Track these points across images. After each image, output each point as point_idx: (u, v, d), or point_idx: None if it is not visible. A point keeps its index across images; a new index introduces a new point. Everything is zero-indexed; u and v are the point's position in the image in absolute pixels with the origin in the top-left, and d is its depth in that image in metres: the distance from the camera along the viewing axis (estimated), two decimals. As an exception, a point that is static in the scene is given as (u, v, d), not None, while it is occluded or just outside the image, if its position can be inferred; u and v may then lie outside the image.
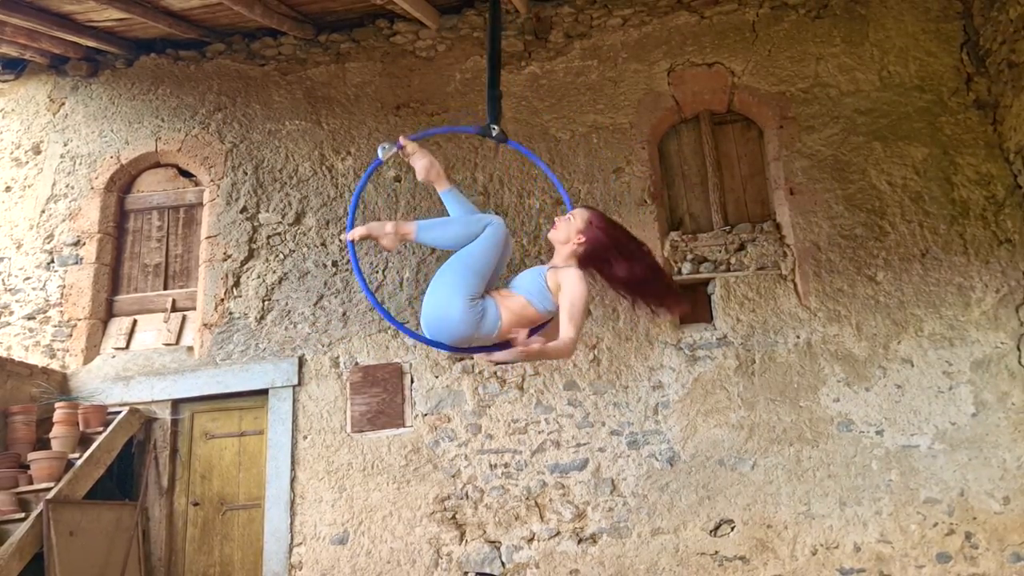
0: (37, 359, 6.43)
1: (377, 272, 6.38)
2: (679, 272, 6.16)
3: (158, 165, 7.14)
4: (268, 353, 6.31)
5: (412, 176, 6.56)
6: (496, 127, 3.75)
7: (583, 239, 2.92)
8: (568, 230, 2.95)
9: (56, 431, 5.69)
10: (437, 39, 6.95)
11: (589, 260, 2.93)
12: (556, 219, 3.03)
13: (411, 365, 6.13)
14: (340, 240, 6.51)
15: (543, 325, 3.05)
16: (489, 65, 4.13)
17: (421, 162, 3.18)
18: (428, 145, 6.57)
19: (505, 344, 2.88)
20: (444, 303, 2.81)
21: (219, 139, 6.95)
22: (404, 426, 6.01)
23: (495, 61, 4.15)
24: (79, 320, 6.58)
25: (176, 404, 6.28)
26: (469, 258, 2.86)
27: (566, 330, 2.69)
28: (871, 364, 5.72)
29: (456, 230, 2.94)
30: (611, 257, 2.91)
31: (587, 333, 6.00)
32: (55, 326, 6.57)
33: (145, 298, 6.81)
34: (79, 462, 5.48)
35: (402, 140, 3.18)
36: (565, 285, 2.80)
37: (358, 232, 2.97)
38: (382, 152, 3.18)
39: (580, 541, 5.61)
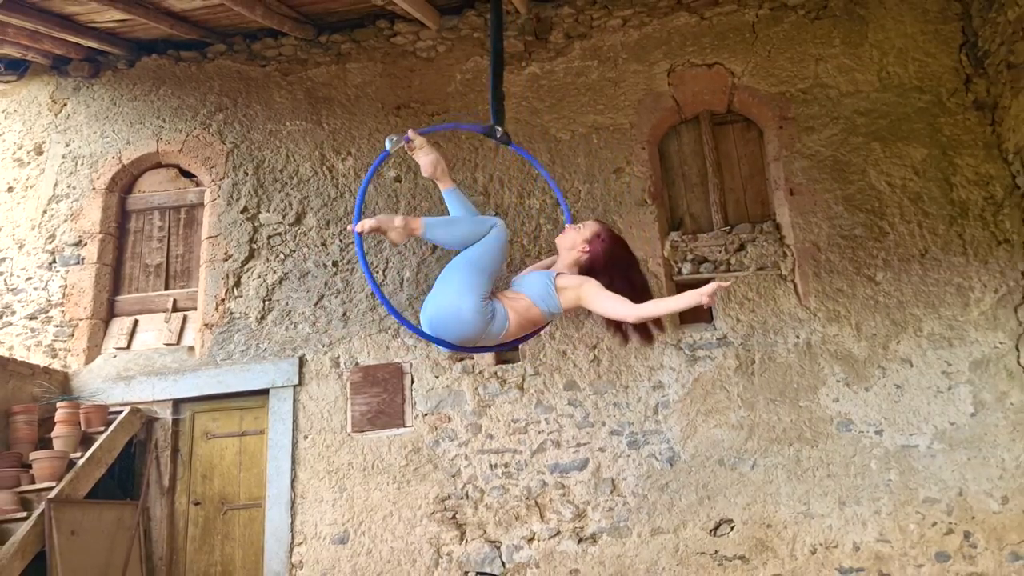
0: (39, 359, 6.45)
1: (377, 272, 6.39)
2: (679, 272, 6.18)
3: (159, 165, 7.16)
4: (269, 353, 6.33)
5: (412, 176, 6.59)
6: (500, 128, 3.77)
7: (587, 249, 3.06)
8: (575, 238, 3.09)
9: (58, 431, 5.71)
10: (437, 39, 6.97)
11: (588, 270, 3.07)
12: (567, 227, 3.18)
13: (411, 365, 6.14)
14: (342, 239, 6.52)
15: (544, 327, 3.13)
16: (493, 66, 4.15)
17: (427, 158, 3.21)
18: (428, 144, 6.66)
19: (513, 343, 2.99)
20: (455, 303, 2.85)
21: (220, 139, 6.96)
22: (404, 426, 6.02)
23: (498, 62, 4.16)
24: (80, 320, 6.59)
25: (177, 404, 6.30)
26: (478, 259, 2.91)
27: (625, 307, 2.88)
28: (870, 364, 5.73)
29: (463, 230, 2.98)
30: (606, 272, 3.04)
31: (587, 333, 6.02)
32: (57, 326, 6.59)
33: (146, 298, 6.83)
34: (80, 461, 5.50)
35: (410, 133, 3.19)
36: (589, 296, 2.93)
37: (368, 224, 2.93)
38: (390, 144, 3.18)
39: (580, 541, 5.63)
